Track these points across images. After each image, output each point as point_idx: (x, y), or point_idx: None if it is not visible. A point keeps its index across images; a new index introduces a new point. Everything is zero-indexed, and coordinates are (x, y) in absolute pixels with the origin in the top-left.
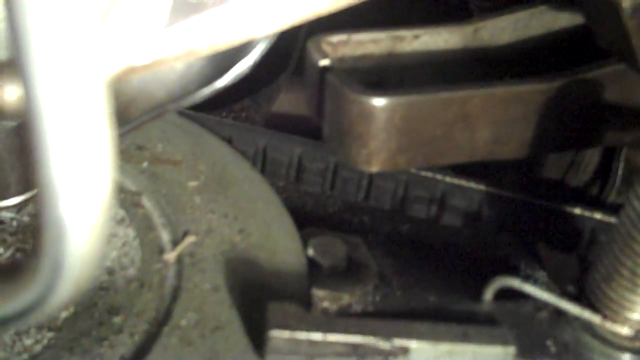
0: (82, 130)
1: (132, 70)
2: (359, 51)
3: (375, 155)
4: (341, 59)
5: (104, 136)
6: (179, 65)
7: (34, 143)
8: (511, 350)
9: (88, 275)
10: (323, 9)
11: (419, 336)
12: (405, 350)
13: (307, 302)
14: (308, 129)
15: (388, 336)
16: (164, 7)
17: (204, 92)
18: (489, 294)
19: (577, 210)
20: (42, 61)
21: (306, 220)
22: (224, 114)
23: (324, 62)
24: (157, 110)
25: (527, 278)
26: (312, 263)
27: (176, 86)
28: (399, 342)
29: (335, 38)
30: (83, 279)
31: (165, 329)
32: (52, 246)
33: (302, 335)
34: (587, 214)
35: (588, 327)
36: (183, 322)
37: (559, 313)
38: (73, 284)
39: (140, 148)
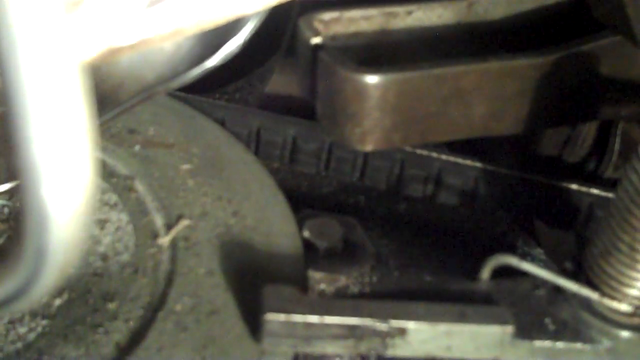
0: (61, 114)
1: (117, 51)
2: (352, 28)
3: (369, 133)
4: (333, 37)
5: (83, 119)
6: (168, 46)
7: (12, 127)
8: (509, 329)
9: (72, 259)
10: None
11: (416, 317)
12: (402, 331)
13: (303, 285)
14: (302, 109)
15: (385, 317)
16: None
17: (194, 72)
18: (485, 272)
19: (574, 186)
20: (17, 44)
21: (301, 201)
22: (217, 95)
23: (316, 40)
24: (147, 93)
25: (524, 256)
26: (308, 245)
27: (165, 67)
28: (396, 323)
29: (327, 15)
30: (67, 263)
31: (161, 314)
32: (34, 231)
33: (298, 318)
34: (584, 189)
35: (586, 304)
36: (178, 307)
37: (557, 290)
38: (57, 269)
39: (132, 132)
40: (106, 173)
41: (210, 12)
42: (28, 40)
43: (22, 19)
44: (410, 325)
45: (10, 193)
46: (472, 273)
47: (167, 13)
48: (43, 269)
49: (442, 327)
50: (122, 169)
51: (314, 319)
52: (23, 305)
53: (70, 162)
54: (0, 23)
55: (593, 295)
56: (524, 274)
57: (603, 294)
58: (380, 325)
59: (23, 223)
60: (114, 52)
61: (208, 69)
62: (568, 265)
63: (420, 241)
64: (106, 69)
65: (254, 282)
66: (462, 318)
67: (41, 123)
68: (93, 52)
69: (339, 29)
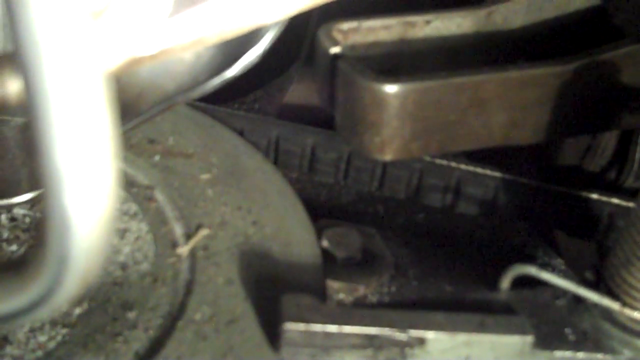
0: (84, 122)
1: (138, 61)
2: (370, 38)
3: (388, 143)
4: (352, 47)
5: (106, 127)
6: (188, 56)
7: (36, 136)
8: (529, 339)
9: (94, 267)
10: None
11: (436, 327)
12: (421, 341)
13: (322, 294)
14: (321, 119)
15: (404, 327)
16: None
17: (214, 82)
18: (505, 282)
19: (595, 195)
20: (42, 54)
21: (320, 211)
22: (236, 105)
23: (335, 50)
24: (167, 102)
25: (544, 266)
26: (326, 254)
27: (186, 77)
28: (415, 332)
29: (346, 25)
30: (89, 271)
31: (180, 324)
32: (57, 239)
33: (317, 327)
34: (604, 198)
35: (607, 314)
36: (197, 316)
37: (577, 300)
38: (79, 277)
39: (151, 141)
40: (126, 183)
41: (231, 22)
42: (53, 49)
43: (47, 28)
44: (430, 335)
45: (31, 202)
46: (492, 283)
47: (188, 23)
48: (65, 276)
49: (462, 337)
50: (142, 178)
51: (332, 328)
52: (45, 312)
53: (93, 171)
54: (26, 31)
55: (614, 305)
56: (544, 284)
57: (624, 304)
58: (400, 335)
59: (46, 231)
60: (136, 62)
61: (228, 79)
62: (589, 275)
63: (440, 251)
64: (127, 78)
65: (272, 292)
66: (481, 328)
67: (65, 132)
68: (115, 61)
69: (357, 38)
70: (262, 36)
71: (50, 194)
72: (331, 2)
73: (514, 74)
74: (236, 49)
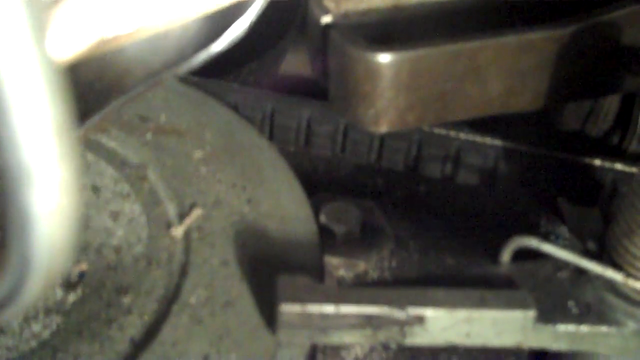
0: (39, 115)
1: (114, 39)
2: (364, 5)
3: (383, 114)
4: (345, 15)
5: (64, 120)
6: (173, 31)
7: None
8: (531, 313)
9: (59, 267)
10: None
11: (435, 303)
12: (421, 319)
13: (320, 273)
14: (317, 89)
15: (402, 305)
16: None
17: (200, 57)
18: (506, 255)
19: (597, 162)
20: None
21: (318, 185)
22: (231, 77)
23: (326, 19)
24: (153, 79)
25: (548, 234)
26: (325, 230)
27: (171, 53)
28: (414, 310)
29: None
30: (54, 272)
31: (175, 308)
32: (18, 240)
33: (314, 308)
34: (607, 164)
35: (611, 285)
36: (192, 300)
37: (580, 272)
38: (43, 278)
39: (143, 119)
40: (118, 162)
41: None
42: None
43: None
44: (429, 312)
45: None
46: (495, 254)
47: (157, 1)
48: (28, 278)
49: (462, 314)
50: (134, 157)
51: (329, 308)
52: (8, 315)
53: (53, 167)
54: None
55: (617, 276)
56: (546, 256)
57: (628, 274)
58: (398, 313)
59: (6, 230)
60: (115, 40)
61: (215, 53)
62: (591, 245)
63: (441, 223)
64: (111, 55)
65: (269, 272)
66: (482, 303)
67: (19, 125)
68: (85, 43)
69: (350, 6)
70: (248, 8)
71: (8, 192)
72: None
73: (510, 40)
74: (222, 22)
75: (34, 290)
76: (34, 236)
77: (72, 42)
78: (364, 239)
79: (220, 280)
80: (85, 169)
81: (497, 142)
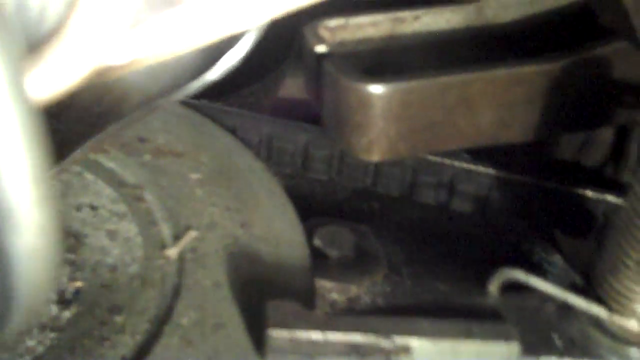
0: (17, 159)
1: (108, 70)
2: (359, 35)
3: (375, 143)
4: (340, 44)
5: (41, 162)
6: (170, 59)
7: None
8: (516, 346)
9: (38, 301)
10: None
11: (421, 333)
12: (406, 349)
13: (310, 298)
14: (316, 114)
15: (389, 334)
16: (135, 5)
17: (194, 85)
18: (493, 286)
19: (590, 193)
20: None
21: (314, 208)
22: (230, 99)
23: (321, 49)
24: (150, 105)
25: (541, 262)
26: (319, 254)
27: (168, 80)
28: (400, 340)
29: (333, 22)
30: (33, 306)
31: (166, 328)
32: None
33: (302, 334)
34: (599, 196)
35: (596, 320)
36: (184, 321)
37: (566, 306)
38: (23, 312)
39: (142, 140)
40: (116, 182)
41: (203, 30)
42: None
43: None
44: (415, 342)
45: None
46: (486, 282)
47: (157, 32)
48: (8, 311)
49: (447, 345)
50: (131, 178)
51: (317, 335)
52: None
53: (29, 209)
54: None
55: (602, 312)
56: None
57: (612, 310)
58: (384, 342)
59: None
60: (108, 71)
61: (209, 82)
62: (579, 279)
63: (434, 249)
64: (111, 80)
65: (260, 295)
66: (467, 335)
67: None
68: (86, 70)
69: (345, 35)
70: (242, 38)
71: None
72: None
73: (501, 73)
74: (217, 51)
75: (14, 323)
76: (13, 275)
77: (65, 75)
78: (357, 263)
79: (212, 302)
80: (84, 188)
81: (491, 171)
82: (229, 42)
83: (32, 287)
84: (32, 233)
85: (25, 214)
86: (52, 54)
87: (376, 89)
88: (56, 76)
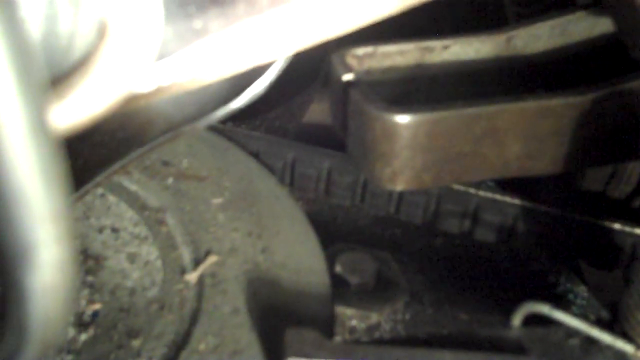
0: (36, 199)
1: (135, 98)
2: (386, 63)
3: (399, 173)
4: (368, 72)
5: (61, 197)
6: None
7: None
8: None
9: (54, 336)
10: (335, 31)
11: None
12: None
13: (329, 326)
14: (340, 139)
15: None
16: (161, 35)
17: (219, 113)
18: (517, 319)
19: (617, 225)
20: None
21: (336, 234)
22: (257, 122)
23: (348, 77)
24: (173, 132)
25: (566, 293)
26: (340, 280)
27: (192, 107)
28: None
29: (361, 51)
30: (48, 340)
31: (184, 354)
32: (15, 312)
33: None
34: (627, 229)
35: (621, 356)
36: (202, 346)
37: (590, 341)
38: (38, 346)
39: (165, 164)
40: (138, 205)
41: (230, 61)
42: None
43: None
44: None
45: None
46: (509, 312)
47: (187, 62)
48: (25, 346)
49: None
50: (153, 201)
51: None
52: None
53: (47, 247)
54: None
55: (628, 348)
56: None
57: (638, 347)
58: None
59: (4, 302)
60: (135, 99)
61: (233, 110)
62: (604, 313)
63: (456, 278)
64: (129, 109)
65: (279, 322)
66: None
67: (16, 209)
68: (113, 97)
69: (373, 63)
70: (268, 67)
71: (6, 269)
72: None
73: (530, 105)
74: (243, 80)
75: (30, 356)
76: (29, 310)
77: (93, 103)
78: (378, 291)
79: (230, 328)
80: (106, 210)
81: (517, 201)
82: (256, 71)
83: (47, 323)
84: (49, 270)
85: (43, 251)
86: (80, 82)
87: (402, 118)
88: (84, 104)
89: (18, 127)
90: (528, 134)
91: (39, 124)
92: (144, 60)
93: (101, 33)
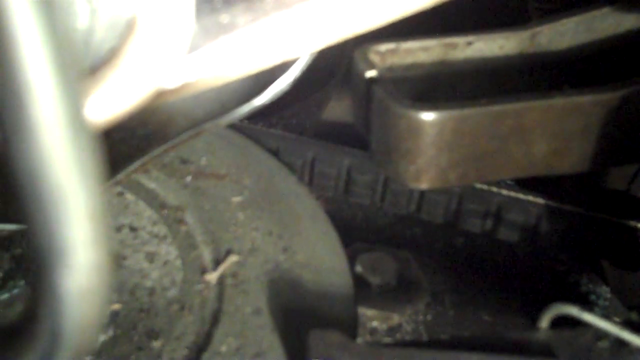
0: (73, 200)
1: (162, 94)
2: (409, 60)
3: (424, 171)
4: (390, 69)
5: (98, 195)
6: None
7: (25, 207)
8: None
9: (87, 341)
10: (362, 27)
11: None
12: None
13: (353, 327)
14: (358, 137)
15: None
16: (189, 29)
17: (242, 110)
18: (544, 322)
19: None
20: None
21: (356, 233)
22: (274, 120)
23: (371, 74)
24: (195, 129)
25: (588, 294)
26: (360, 281)
27: (214, 104)
28: None
29: (384, 47)
30: (81, 345)
31: (205, 355)
32: (48, 315)
33: None
34: None
35: None
36: (223, 348)
37: (621, 343)
38: (71, 351)
39: (184, 162)
40: (157, 204)
41: (256, 57)
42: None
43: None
44: None
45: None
46: (531, 313)
47: (213, 57)
48: (57, 351)
49: None
50: (173, 200)
51: None
52: None
53: (82, 249)
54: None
55: None
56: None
57: None
58: None
59: (37, 305)
60: (161, 95)
61: (256, 107)
62: (634, 316)
63: (478, 278)
64: (151, 107)
65: (301, 323)
66: None
67: (52, 210)
68: (141, 94)
69: (395, 60)
70: (292, 64)
71: (40, 272)
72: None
73: (558, 102)
74: (266, 77)
75: None
76: (63, 314)
77: (124, 98)
78: (399, 291)
79: (252, 329)
80: (124, 209)
81: (540, 200)
82: (280, 67)
83: (82, 328)
84: (85, 273)
85: (80, 252)
86: (111, 77)
87: (428, 116)
88: (115, 99)
89: (56, 119)
90: (555, 132)
91: (78, 116)
92: (174, 54)
93: (130, 26)
